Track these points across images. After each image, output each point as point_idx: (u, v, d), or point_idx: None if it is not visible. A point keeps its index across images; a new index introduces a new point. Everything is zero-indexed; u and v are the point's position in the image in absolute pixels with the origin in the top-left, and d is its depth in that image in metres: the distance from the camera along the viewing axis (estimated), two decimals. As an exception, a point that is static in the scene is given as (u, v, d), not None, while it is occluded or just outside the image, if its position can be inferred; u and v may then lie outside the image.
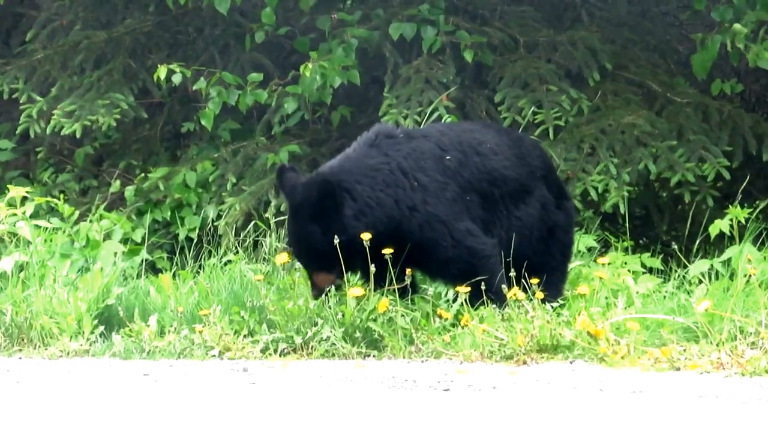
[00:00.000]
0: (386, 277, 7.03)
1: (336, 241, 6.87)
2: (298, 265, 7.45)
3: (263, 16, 9.98)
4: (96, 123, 10.07)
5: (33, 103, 10.37)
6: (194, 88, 10.06)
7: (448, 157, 7.27)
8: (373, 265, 6.96)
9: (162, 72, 9.84)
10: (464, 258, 7.13)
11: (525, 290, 6.87)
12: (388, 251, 6.90)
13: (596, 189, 9.22)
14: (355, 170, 7.16)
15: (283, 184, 7.23)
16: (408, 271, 7.10)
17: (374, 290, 7.10)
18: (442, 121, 9.24)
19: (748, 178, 9.44)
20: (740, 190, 9.13)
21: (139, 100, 10.52)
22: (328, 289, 7.08)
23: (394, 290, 7.03)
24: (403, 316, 7.01)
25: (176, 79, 9.93)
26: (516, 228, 7.38)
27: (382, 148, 7.25)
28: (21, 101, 10.44)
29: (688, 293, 7.47)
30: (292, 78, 9.93)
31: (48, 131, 10.18)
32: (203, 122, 10.00)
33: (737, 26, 9.31)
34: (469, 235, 7.17)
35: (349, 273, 7.17)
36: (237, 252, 8.70)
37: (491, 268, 7.10)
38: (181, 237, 9.82)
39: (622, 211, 9.18)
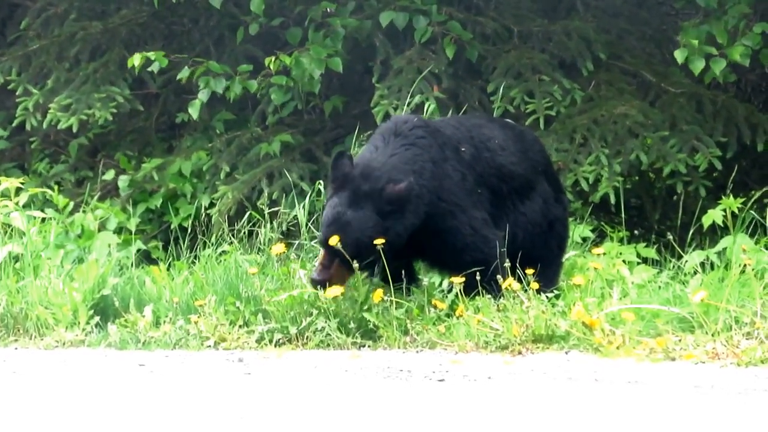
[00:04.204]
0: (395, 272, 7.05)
1: (380, 241, 6.86)
2: (318, 245, 7.30)
3: (252, 5, 9.93)
4: (92, 117, 10.07)
5: (29, 96, 10.37)
6: (178, 77, 10.05)
7: (463, 149, 7.27)
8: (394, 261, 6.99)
9: (137, 60, 9.84)
10: (479, 246, 7.14)
11: (521, 281, 6.88)
12: (379, 242, 6.87)
13: (587, 179, 9.23)
14: (401, 166, 7.06)
15: (337, 167, 7.06)
16: None
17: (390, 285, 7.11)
18: (428, 111, 9.26)
19: (742, 168, 9.45)
20: (733, 180, 9.13)
21: (135, 92, 10.52)
22: (329, 283, 6.98)
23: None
24: (398, 306, 7.02)
25: (155, 67, 9.94)
26: (521, 223, 7.41)
27: (408, 137, 7.20)
28: (17, 93, 10.44)
29: (683, 283, 7.48)
30: (281, 69, 9.92)
31: (45, 125, 10.20)
32: (191, 111, 9.99)
33: (693, 41, 9.32)
34: (485, 224, 7.19)
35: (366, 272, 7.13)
36: (232, 242, 8.70)
37: (497, 259, 7.10)
38: (174, 225, 9.84)
39: (612, 202, 9.20)
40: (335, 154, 7.18)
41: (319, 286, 6.98)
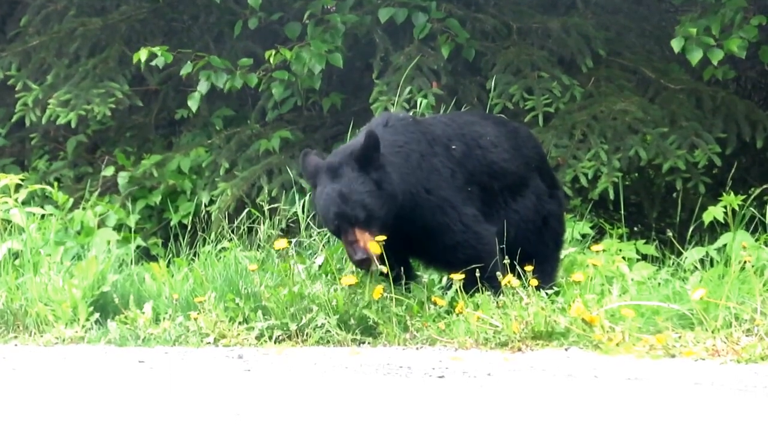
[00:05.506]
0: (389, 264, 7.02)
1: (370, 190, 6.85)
2: (332, 236, 7.25)
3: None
4: (91, 112, 10.06)
5: (29, 91, 10.37)
6: (181, 72, 10.05)
7: (453, 147, 7.27)
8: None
9: (143, 54, 9.83)
10: (471, 243, 7.13)
11: (519, 278, 6.87)
12: (381, 237, 6.87)
13: (586, 175, 9.23)
14: (383, 147, 7.02)
15: (306, 164, 7.09)
16: None
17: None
18: (422, 106, 9.28)
19: (741, 165, 9.44)
20: (733, 177, 9.12)
21: (134, 88, 10.52)
22: (374, 260, 6.86)
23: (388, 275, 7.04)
24: (397, 303, 7.01)
25: (159, 62, 9.94)
26: (513, 220, 7.40)
27: (398, 129, 7.20)
28: (17, 88, 10.44)
29: (683, 280, 7.47)
30: (281, 63, 9.92)
31: (43, 120, 10.19)
32: (189, 104, 10.00)
33: (691, 29, 9.29)
34: (477, 221, 7.18)
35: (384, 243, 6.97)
36: (231, 239, 8.70)
37: (492, 255, 7.10)
38: (174, 222, 9.84)
39: (611, 198, 9.20)
40: (301, 155, 7.21)
41: (365, 265, 6.91)
